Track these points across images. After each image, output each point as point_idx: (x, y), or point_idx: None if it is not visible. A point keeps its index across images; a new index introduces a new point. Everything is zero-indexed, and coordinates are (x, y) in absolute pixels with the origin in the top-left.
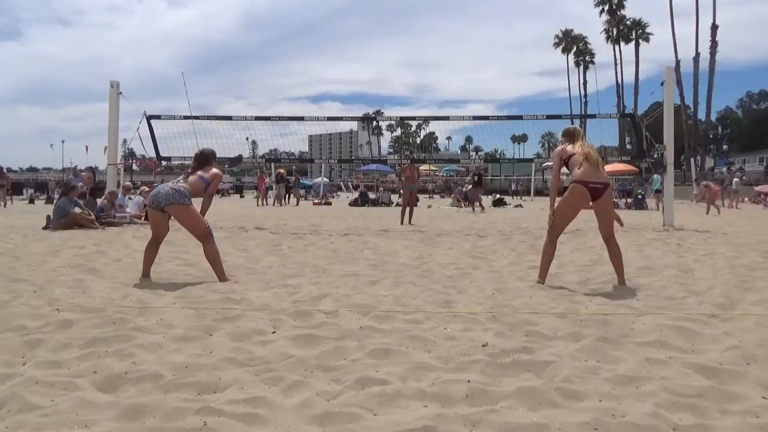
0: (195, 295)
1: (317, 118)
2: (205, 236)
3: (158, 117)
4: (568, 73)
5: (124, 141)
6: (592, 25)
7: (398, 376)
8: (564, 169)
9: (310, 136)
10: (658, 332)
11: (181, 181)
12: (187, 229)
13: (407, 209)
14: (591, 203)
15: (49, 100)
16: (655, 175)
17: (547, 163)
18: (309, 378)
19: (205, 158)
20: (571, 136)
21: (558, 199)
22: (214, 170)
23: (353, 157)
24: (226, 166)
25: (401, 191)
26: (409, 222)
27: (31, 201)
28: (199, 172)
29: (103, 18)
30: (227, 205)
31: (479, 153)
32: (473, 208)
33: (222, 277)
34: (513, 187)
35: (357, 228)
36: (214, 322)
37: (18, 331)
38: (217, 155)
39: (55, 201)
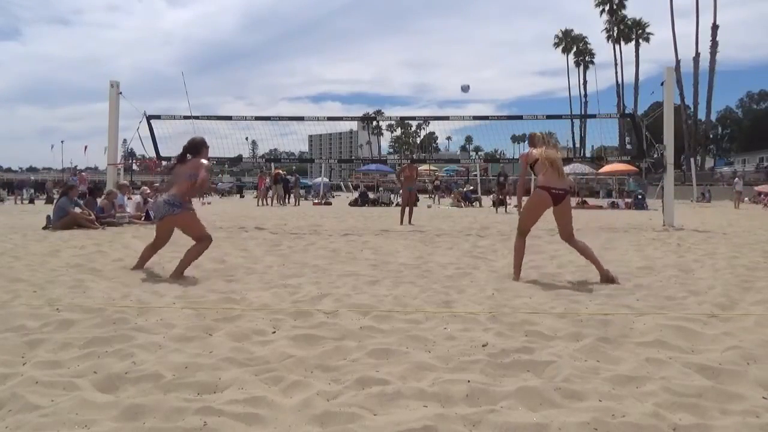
0: (195, 295)
1: (317, 118)
2: (199, 238)
3: (158, 117)
4: (568, 73)
5: (124, 141)
6: (593, 25)
7: (398, 376)
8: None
9: (310, 136)
10: (658, 332)
11: (167, 185)
12: (185, 233)
13: (407, 209)
14: (552, 207)
15: (49, 100)
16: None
17: None
18: (309, 378)
19: (195, 147)
20: (538, 142)
21: (524, 200)
22: (198, 161)
23: (353, 157)
24: (226, 166)
25: (401, 191)
26: (409, 222)
27: (31, 201)
28: (188, 170)
29: (102, 17)
30: (227, 205)
31: (479, 153)
32: (506, 209)
33: (179, 273)
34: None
35: (357, 228)
36: (214, 322)
37: (18, 331)
38: (217, 155)
39: (55, 201)
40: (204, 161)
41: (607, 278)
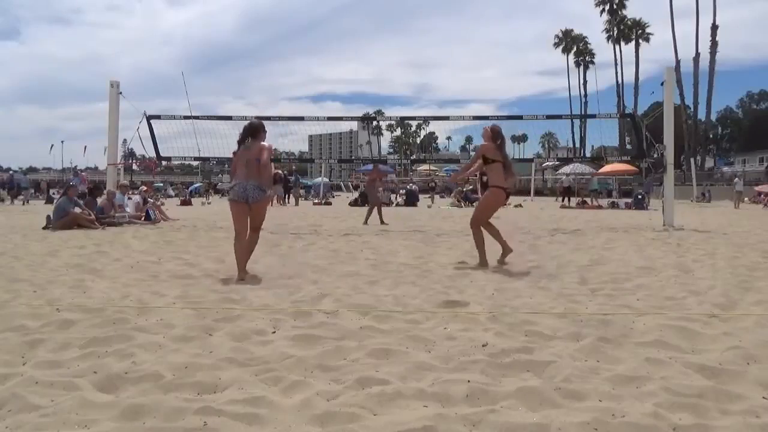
0: (195, 295)
1: (317, 118)
2: (259, 227)
3: (158, 117)
4: (568, 73)
5: (124, 141)
6: (593, 25)
7: (398, 376)
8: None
9: (310, 136)
10: (658, 332)
11: (243, 173)
12: (254, 219)
13: (374, 209)
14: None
15: (49, 100)
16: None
17: (547, 163)
18: (309, 378)
19: (254, 130)
20: (502, 140)
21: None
22: (261, 144)
23: (353, 157)
24: (227, 166)
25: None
26: (381, 222)
27: (15, 197)
28: (254, 156)
29: (102, 17)
30: (227, 205)
31: None
32: None
33: (241, 271)
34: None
35: (357, 228)
36: (214, 322)
37: (18, 331)
38: (217, 155)
39: (55, 201)
40: (265, 144)
41: (482, 263)
